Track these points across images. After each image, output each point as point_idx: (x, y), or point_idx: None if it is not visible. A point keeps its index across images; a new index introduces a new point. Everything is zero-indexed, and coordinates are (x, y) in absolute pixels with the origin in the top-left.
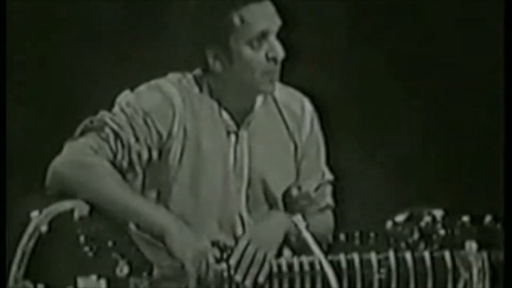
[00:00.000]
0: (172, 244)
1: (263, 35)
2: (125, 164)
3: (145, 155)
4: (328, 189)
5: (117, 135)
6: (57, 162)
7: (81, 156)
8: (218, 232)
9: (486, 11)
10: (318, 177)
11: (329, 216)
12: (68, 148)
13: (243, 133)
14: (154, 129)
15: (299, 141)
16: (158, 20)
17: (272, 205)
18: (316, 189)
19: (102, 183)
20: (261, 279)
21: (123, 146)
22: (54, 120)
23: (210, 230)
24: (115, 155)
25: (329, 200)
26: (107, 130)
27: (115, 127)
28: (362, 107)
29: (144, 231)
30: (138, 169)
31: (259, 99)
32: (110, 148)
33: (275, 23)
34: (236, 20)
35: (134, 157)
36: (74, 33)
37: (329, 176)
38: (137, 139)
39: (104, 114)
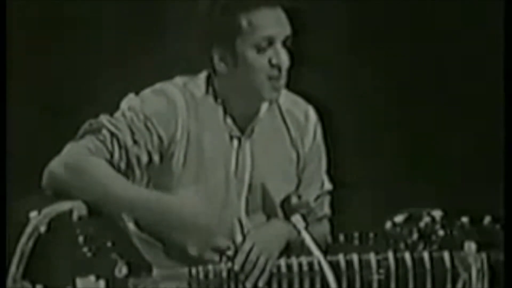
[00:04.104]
0: (182, 211)
1: (270, 41)
2: (123, 165)
3: (144, 159)
4: (327, 199)
5: (113, 135)
6: (52, 164)
7: (75, 157)
8: (217, 236)
9: (486, 11)
10: (317, 186)
11: (325, 225)
12: (65, 150)
13: (246, 139)
14: (155, 133)
15: (302, 151)
16: (164, 20)
17: (270, 211)
18: (316, 199)
19: (95, 180)
20: (260, 284)
21: (120, 146)
22: (55, 121)
23: (210, 234)
24: (111, 155)
25: (326, 210)
26: (104, 131)
27: (112, 128)
28: (362, 109)
29: (142, 218)
30: (138, 172)
31: (264, 106)
32: (107, 148)
33: (284, 30)
34: (244, 22)
35: (133, 160)
36: (77, 33)
37: (328, 186)
38: (135, 142)
39: (103, 117)
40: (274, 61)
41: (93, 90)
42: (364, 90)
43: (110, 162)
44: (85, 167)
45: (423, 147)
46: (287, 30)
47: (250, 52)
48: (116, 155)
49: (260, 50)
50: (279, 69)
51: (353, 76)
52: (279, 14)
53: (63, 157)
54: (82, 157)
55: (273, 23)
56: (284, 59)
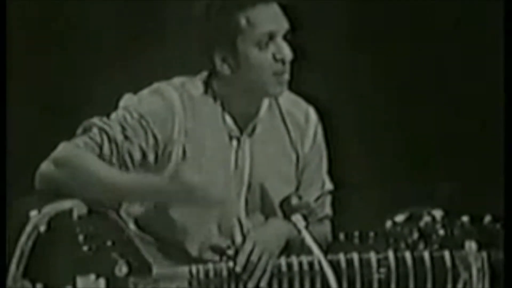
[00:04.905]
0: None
1: (270, 37)
2: (114, 160)
3: (137, 156)
4: (328, 199)
5: (102, 130)
6: (42, 165)
7: (63, 153)
8: (217, 236)
9: (486, 11)
10: (318, 186)
11: (327, 226)
12: (57, 149)
13: (245, 139)
14: (150, 132)
15: (301, 152)
16: (164, 22)
17: (269, 212)
18: (316, 199)
19: (86, 171)
20: (263, 283)
21: (109, 140)
22: (54, 121)
23: (209, 233)
24: (101, 149)
25: (327, 210)
26: (94, 129)
27: (101, 125)
28: (362, 109)
29: (140, 199)
30: (132, 169)
31: (264, 106)
32: (96, 142)
33: (282, 25)
34: (243, 21)
35: (125, 156)
36: (77, 33)
37: (329, 186)
38: (126, 137)
39: (95, 117)
40: (277, 56)
41: (93, 90)
42: (364, 90)
43: (101, 157)
44: (73, 159)
45: (423, 147)
46: (286, 24)
47: (252, 50)
48: (106, 149)
49: (261, 47)
50: (283, 63)
51: (353, 76)
52: (276, 10)
53: (52, 156)
54: (70, 152)
55: (272, 19)
56: (287, 52)
